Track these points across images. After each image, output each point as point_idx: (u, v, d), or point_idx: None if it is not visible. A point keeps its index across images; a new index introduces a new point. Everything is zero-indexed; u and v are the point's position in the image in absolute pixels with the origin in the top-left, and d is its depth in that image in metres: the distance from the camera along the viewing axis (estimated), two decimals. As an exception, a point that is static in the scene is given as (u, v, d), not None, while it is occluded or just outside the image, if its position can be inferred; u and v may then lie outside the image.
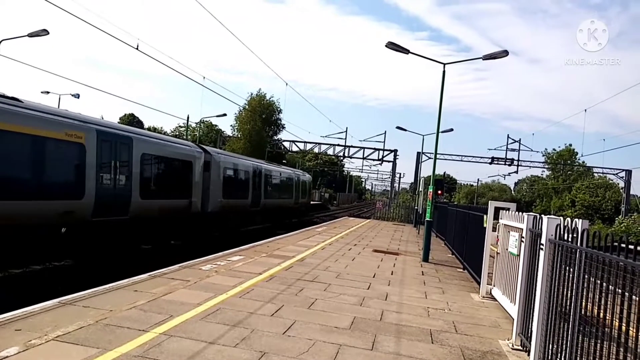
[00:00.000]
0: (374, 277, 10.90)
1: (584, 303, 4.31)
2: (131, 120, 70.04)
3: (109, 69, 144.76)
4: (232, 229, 22.34)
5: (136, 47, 18.61)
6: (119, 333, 5.47)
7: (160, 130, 74.36)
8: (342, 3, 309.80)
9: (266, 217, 28.17)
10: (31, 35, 24.31)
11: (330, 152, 53.21)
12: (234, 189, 23.22)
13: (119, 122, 32.20)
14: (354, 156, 51.82)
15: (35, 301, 6.56)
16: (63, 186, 12.43)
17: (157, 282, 8.29)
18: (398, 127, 35.06)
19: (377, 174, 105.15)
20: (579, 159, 66.72)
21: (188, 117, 45.37)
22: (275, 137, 53.15)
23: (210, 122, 67.82)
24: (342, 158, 64.66)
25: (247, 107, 48.42)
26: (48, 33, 24.12)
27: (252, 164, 26.29)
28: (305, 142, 51.71)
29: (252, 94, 50.62)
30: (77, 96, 41.42)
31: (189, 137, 53.47)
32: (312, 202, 45.63)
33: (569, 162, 71.55)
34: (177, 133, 70.88)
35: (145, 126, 70.90)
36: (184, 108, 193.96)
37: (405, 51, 15.51)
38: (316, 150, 53.41)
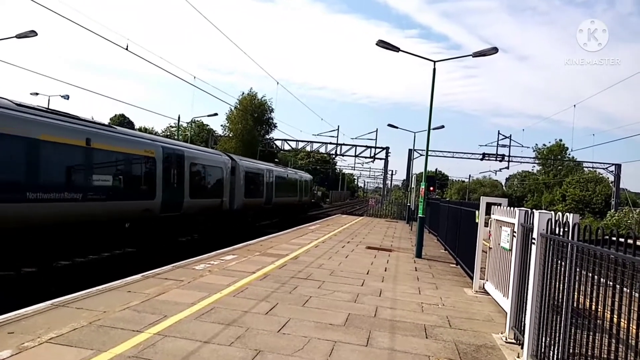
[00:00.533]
0: (367, 273, 10.93)
1: (575, 296, 4.35)
2: (121, 120, 69.50)
3: (99, 70, 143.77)
4: (250, 223, 25.91)
5: (126, 47, 18.49)
6: (112, 334, 5.45)
7: (151, 130, 73.91)
8: (330, 1, 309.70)
9: (276, 214, 32.13)
10: (19, 36, 23.99)
11: (322, 150, 53.19)
12: (253, 190, 27.10)
13: (109, 123, 32.37)
14: (346, 154, 51.81)
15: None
16: (145, 190, 15.69)
17: (151, 282, 8.27)
18: (390, 125, 35.21)
19: (370, 171, 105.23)
20: (569, 154, 67.16)
21: (179, 117, 45.09)
22: (267, 136, 53.09)
23: (202, 122, 67.53)
24: (334, 156, 64.69)
25: (238, 106, 48.27)
26: (36, 34, 23.83)
27: (265, 167, 30.06)
28: (297, 140, 51.69)
29: (243, 92, 50.48)
30: (67, 97, 41.10)
31: (180, 137, 53.16)
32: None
33: (559, 157, 72.01)
34: (168, 133, 70.48)
35: (136, 127, 70.41)
36: (175, 108, 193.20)
37: (396, 49, 15.53)
38: (308, 148, 53.39)
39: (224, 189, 22.44)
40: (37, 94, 39.80)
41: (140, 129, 63.26)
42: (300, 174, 42.31)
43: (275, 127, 52.90)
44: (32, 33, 23.93)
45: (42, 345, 4.98)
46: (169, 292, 7.62)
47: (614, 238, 3.82)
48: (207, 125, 70.04)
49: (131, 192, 14.86)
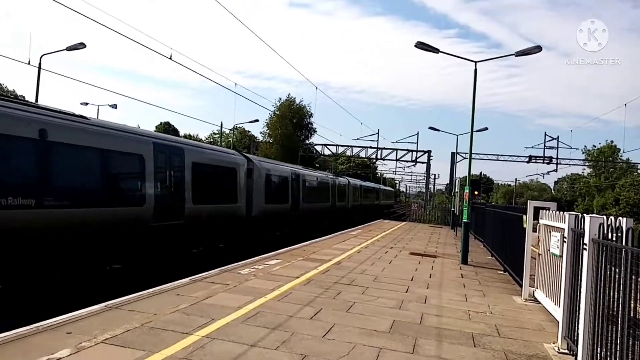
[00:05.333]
0: (412, 280, 10.81)
1: (632, 304, 4.18)
2: (167, 128, 71.44)
3: (143, 79, 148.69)
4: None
5: (169, 57, 19.08)
6: (164, 336, 5.63)
7: (195, 137, 75.73)
8: (366, 4, 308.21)
9: (387, 207, 52.92)
10: (69, 48, 25.08)
11: (362, 154, 52.97)
12: (387, 196, 52.08)
13: (155, 130, 33.72)
14: (386, 158, 51.39)
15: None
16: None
17: (198, 286, 8.48)
18: (431, 128, 34.96)
19: (411, 175, 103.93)
20: (621, 156, 64.35)
21: (222, 124, 46.12)
22: (307, 141, 53.35)
23: (244, 128, 68.69)
24: (374, 160, 64.31)
25: (277, 112, 48.75)
26: (85, 46, 24.91)
27: (388, 189, 55.32)
28: (337, 145, 51.59)
29: (280, 99, 50.87)
30: (115, 107, 42.63)
31: (224, 144, 54.21)
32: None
33: (610, 159, 69.11)
34: (212, 140, 72.05)
35: (181, 134, 72.27)
36: (218, 115, 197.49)
37: (435, 50, 15.36)
38: (348, 153, 53.30)
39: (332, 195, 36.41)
40: (87, 103, 41.47)
41: (185, 136, 64.92)
42: (387, 188, 71.97)
43: (315, 132, 53.03)
44: (82, 45, 25.03)
45: (99, 345, 5.20)
46: (216, 296, 7.80)
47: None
48: (249, 131, 71.24)
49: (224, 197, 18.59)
